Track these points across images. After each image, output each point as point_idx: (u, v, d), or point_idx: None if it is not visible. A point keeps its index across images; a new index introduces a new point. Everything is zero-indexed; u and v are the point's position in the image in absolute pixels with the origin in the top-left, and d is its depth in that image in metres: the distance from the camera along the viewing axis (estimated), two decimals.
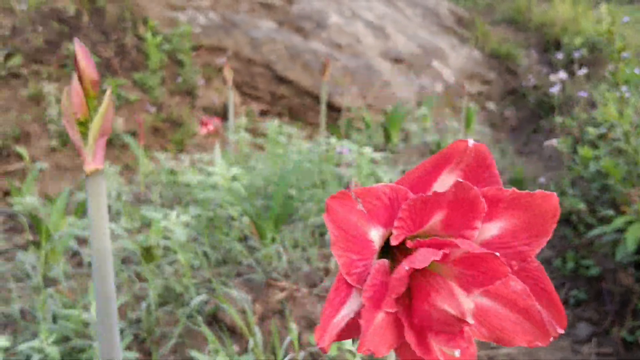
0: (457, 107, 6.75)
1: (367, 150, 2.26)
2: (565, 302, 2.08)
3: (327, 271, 1.86)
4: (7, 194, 4.28)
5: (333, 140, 2.80)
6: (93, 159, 0.77)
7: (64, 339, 1.69)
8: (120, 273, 1.84)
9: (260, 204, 2.13)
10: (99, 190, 0.79)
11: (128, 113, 5.03)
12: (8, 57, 4.64)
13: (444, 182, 0.46)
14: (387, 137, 4.35)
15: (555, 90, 3.21)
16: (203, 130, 2.95)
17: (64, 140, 4.54)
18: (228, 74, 3.53)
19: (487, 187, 0.46)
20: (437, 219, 0.46)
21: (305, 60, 6.10)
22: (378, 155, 2.33)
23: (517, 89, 7.15)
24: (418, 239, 0.47)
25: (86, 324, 1.69)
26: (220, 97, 5.75)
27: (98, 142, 0.77)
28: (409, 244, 0.47)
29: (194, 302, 1.53)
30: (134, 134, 4.95)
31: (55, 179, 4.45)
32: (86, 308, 1.77)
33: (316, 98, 6.06)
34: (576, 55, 4.52)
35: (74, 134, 0.76)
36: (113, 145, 4.86)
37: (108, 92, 0.77)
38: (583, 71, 3.57)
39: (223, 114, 5.79)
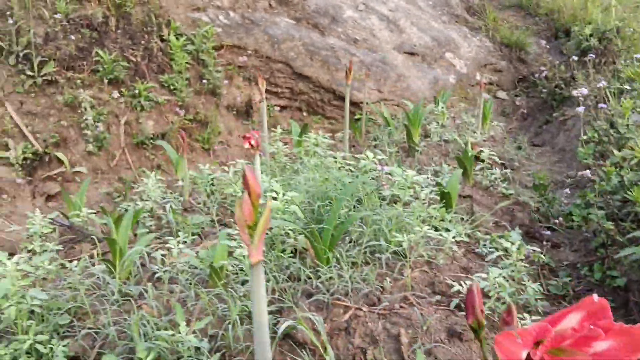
0: (471, 97, 6.92)
1: (411, 172, 2.47)
2: None
3: (382, 290, 2.08)
4: (49, 197, 4.51)
5: (369, 153, 3.00)
6: (257, 252, 0.99)
7: (156, 357, 1.93)
8: (204, 295, 2.07)
9: (314, 225, 2.34)
10: (260, 276, 1.00)
11: (157, 115, 5.22)
12: (42, 64, 4.82)
13: (572, 318, 0.68)
14: (409, 135, 4.54)
15: (581, 110, 3.38)
16: (246, 144, 3.14)
17: (100, 145, 4.75)
18: (262, 86, 3.72)
19: (603, 320, 0.68)
20: (567, 342, 0.68)
21: (323, 57, 6.26)
22: (420, 178, 2.54)
23: (528, 77, 7.31)
24: (553, 355, 0.69)
25: (177, 343, 1.92)
26: (242, 94, 5.93)
27: (260, 239, 0.99)
28: (547, 357, 0.69)
29: (281, 329, 1.76)
30: (163, 135, 5.16)
31: (93, 183, 4.67)
32: (173, 327, 1.99)
33: (334, 93, 6.24)
34: (591, 56, 4.68)
35: (244, 235, 0.98)
36: (145, 147, 5.07)
37: (268, 207, 0.98)
38: (602, 83, 3.74)
39: (245, 112, 5.98)
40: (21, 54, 4.80)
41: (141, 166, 5.02)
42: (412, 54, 6.88)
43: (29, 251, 2.57)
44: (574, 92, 3.64)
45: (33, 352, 2.08)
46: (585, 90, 3.53)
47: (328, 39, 6.51)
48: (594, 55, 4.79)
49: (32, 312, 2.20)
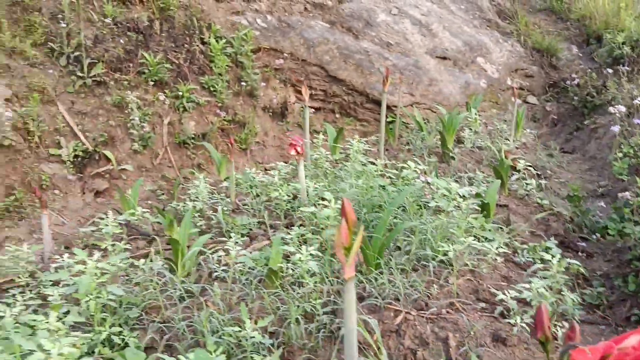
0: (501, 103, 7.01)
1: (454, 185, 2.62)
2: (627, 319, 2.44)
3: (430, 296, 2.25)
4: (97, 193, 4.75)
5: (411, 163, 3.16)
6: (350, 270, 1.16)
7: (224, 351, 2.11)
8: (266, 296, 2.25)
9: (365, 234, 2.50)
10: (352, 290, 1.17)
11: (198, 116, 5.43)
12: (91, 65, 5.04)
13: (632, 339, 0.84)
14: (443, 142, 4.68)
15: (616, 129, 3.49)
16: (291, 151, 3.31)
17: (145, 144, 4.97)
18: (305, 94, 3.88)
19: None
20: (628, 358, 0.84)
21: (357, 60, 6.41)
22: (464, 191, 2.69)
23: (558, 83, 7.36)
24: None
25: (242, 338, 2.09)
26: (278, 96, 6.11)
27: (353, 259, 1.15)
28: None
29: (341, 332, 1.93)
30: (204, 135, 5.36)
31: (138, 180, 4.88)
32: (237, 324, 2.17)
33: (367, 96, 6.39)
34: (626, 68, 4.75)
35: (341, 255, 1.15)
36: (186, 146, 5.28)
37: (360, 233, 1.14)
38: (638, 101, 3.84)
39: (281, 113, 6.16)
40: (72, 56, 5.03)
41: (182, 165, 5.24)
42: (444, 58, 6.99)
43: (101, 249, 2.77)
44: (611, 109, 3.75)
45: (106, 342, 2.28)
46: (622, 108, 3.64)
47: (362, 43, 6.66)
48: (626, 65, 4.86)
49: (104, 305, 2.40)
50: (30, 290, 2.71)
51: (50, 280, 2.69)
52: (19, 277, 2.87)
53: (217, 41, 5.70)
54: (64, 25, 5.08)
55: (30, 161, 4.54)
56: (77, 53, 5.03)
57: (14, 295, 2.62)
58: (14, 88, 4.72)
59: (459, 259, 2.35)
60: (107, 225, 2.72)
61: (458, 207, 2.75)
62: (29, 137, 4.57)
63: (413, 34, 7.05)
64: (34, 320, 2.26)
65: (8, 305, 2.36)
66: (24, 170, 4.47)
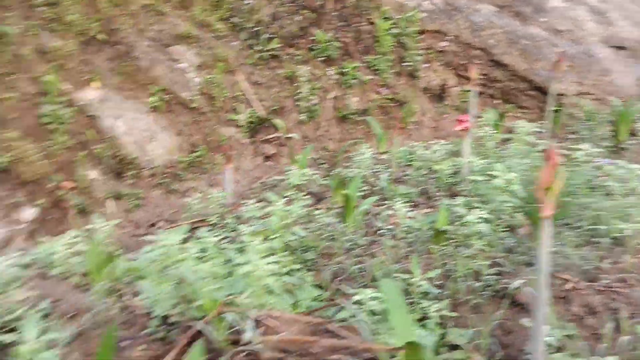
0: None
1: (635, 166, 2.57)
2: None
3: (600, 270, 2.25)
4: (266, 158, 5.18)
5: (584, 146, 3.10)
6: (549, 209, 1.26)
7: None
8: (434, 251, 2.40)
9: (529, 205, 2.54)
10: (548, 228, 1.27)
11: (360, 93, 5.67)
12: (268, 40, 5.47)
13: None
14: (615, 132, 4.46)
15: None
16: (458, 127, 3.40)
17: (311, 115, 5.31)
18: (474, 75, 3.91)
19: None
20: None
21: (522, 46, 6.25)
22: None
23: None
24: None
25: (409, 286, 2.25)
26: (438, 78, 6.16)
27: (553, 199, 1.25)
28: None
29: (512, 286, 2.02)
30: (364, 112, 5.59)
31: (302, 148, 5.24)
32: (403, 273, 2.33)
33: (530, 83, 6.20)
34: None
35: (541, 194, 1.25)
36: (347, 121, 5.54)
37: (561, 177, 1.23)
38: None
39: (439, 96, 6.21)
40: (252, 31, 5.50)
41: (342, 138, 5.52)
42: (619, 47, 6.56)
43: (284, 197, 3.09)
44: None
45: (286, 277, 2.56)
46: None
47: (529, 28, 6.46)
48: None
49: (286, 244, 2.69)
50: (220, 229, 3.10)
51: (237, 220, 3.06)
52: (209, 218, 3.29)
53: (384, 22, 5.87)
54: (248, 2, 5.56)
55: (211, 123, 5.07)
56: (256, 28, 5.49)
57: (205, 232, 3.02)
58: (201, 57, 5.27)
59: (635, 237, 2.31)
60: (292, 176, 3.02)
61: (634, 192, 2.68)
62: (212, 102, 5.09)
63: (586, 21, 6.70)
64: (224, 248, 2.61)
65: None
66: (205, 132, 5.01)
